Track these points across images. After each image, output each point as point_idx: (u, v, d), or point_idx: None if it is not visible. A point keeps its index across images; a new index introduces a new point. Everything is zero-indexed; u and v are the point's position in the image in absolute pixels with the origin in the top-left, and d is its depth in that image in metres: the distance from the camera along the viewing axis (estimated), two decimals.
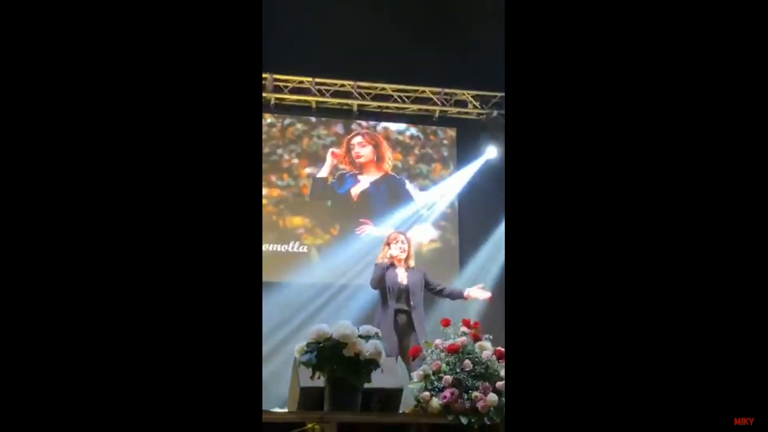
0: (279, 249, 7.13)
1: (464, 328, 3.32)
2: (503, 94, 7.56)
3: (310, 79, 7.39)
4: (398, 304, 4.74)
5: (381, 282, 4.76)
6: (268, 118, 7.42)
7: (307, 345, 3.02)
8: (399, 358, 4.13)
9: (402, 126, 7.79)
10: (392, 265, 4.82)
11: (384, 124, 7.76)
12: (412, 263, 4.92)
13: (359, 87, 7.52)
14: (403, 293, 4.76)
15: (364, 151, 7.60)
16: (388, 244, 4.92)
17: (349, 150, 7.58)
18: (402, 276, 4.80)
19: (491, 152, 7.51)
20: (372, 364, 3.01)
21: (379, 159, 7.62)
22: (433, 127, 7.83)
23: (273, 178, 7.35)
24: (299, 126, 7.59)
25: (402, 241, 4.92)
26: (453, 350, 3.20)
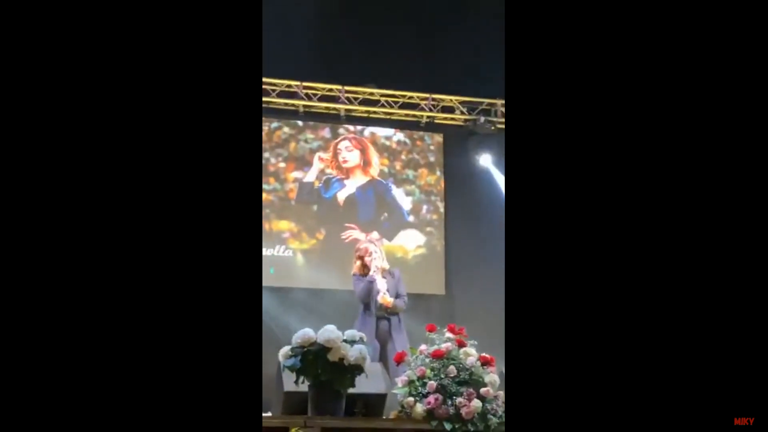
0: (264, 253, 7.10)
1: (449, 334, 3.32)
2: (490, 100, 7.61)
3: (297, 82, 7.38)
4: (380, 310, 4.81)
5: (369, 295, 4.81)
6: None
7: (292, 349, 3.01)
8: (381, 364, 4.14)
9: (389, 131, 7.79)
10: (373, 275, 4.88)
11: (371, 129, 7.76)
12: (387, 266, 5.00)
13: (347, 91, 7.52)
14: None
15: (350, 156, 7.60)
16: (362, 257, 4.98)
17: (335, 154, 7.58)
18: (380, 283, 4.86)
19: (481, 158, 7.54)
20: (356, 369, 3.01)
21: (365, 164, 7.62)
22: (420, 133, 7.85)
23: None
24: (286, 130, 7.58)
25: (375, 251, 4.98)
26: (438, 356, 3.20)
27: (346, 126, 7.69)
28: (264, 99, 7.32)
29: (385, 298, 4.79)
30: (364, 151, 7.65)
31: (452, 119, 7.81)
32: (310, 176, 7.48)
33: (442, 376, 3.15)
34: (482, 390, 3.12)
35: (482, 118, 7.62)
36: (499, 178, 7.49)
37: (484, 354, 3.24)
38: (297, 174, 7.49)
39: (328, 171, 7.52)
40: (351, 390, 3.05)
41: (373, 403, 3.23)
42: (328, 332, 3.00)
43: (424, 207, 7.68)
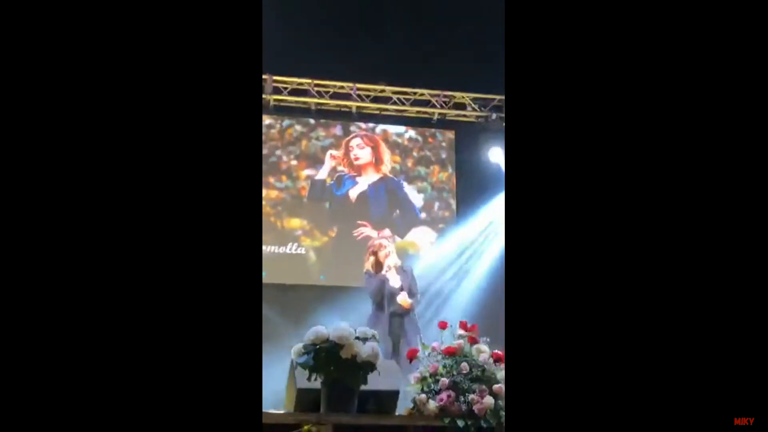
0: (277, 251, 7.13)
1: (461, 331, 3.32)
2: (502, 97, 7.58)
3: (309, 80, 7.39)
4: (392, 307, 4.79)
5: (381, 293, 4.80)
6: (266, 120, 7.42)
7: (305, 347, 3.02)
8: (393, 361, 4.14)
9: (401, 128, 7.79)
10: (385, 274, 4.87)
11: (383, 126, 7.76)
12: (399, 263, 5.00)
13: (358, 89, 7.52)
14: (396, 296, 4.82)
15: (362, 153, 7.60)
16: (375, 253, 4.97)
17: (347, 152, 7.58)
18: (394, 279, 4.85)
19: (493, 155, 7.51)
20: (369, 366, 3.01)
21: (377, 161, 7.62)
22: (432, 130, 7.84)
23: (271, 179, 7.35)
24: (298, 127, 7.59)
25: (387, 247, 4.99)
26: (450, 353, 3.20)
27: (358, 123, 7.69)
28: (275, 97, 7.34)
29: (405, 300, 4.79)
30: (375, 149, 7.65)
31: (464, 116, 7.79)
32: (322, 174, 7.48)
33: (455, 372, 3.15)
34: (495, 387, 3.12)
35: (494, 115, 7.60)
36: None
37: (496, 351, 3.24)
38: (309, 171, 7.49)
39: (340, 168, 7.53)
40: (363, 387, 3.05)
41: (386, 400, 3.23)
42: (341, 329, 3.00)
43: (436, 204, 7.68)
